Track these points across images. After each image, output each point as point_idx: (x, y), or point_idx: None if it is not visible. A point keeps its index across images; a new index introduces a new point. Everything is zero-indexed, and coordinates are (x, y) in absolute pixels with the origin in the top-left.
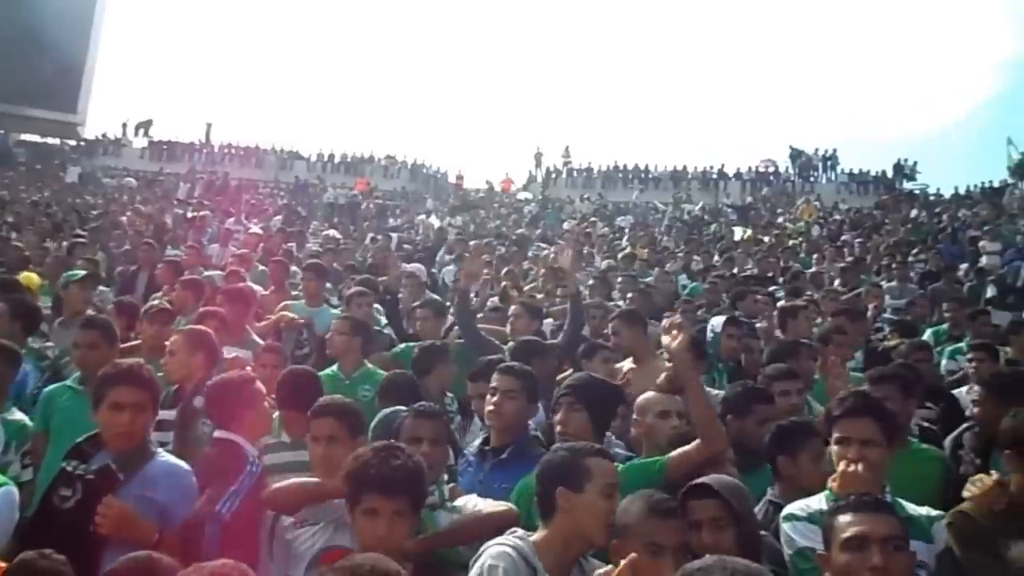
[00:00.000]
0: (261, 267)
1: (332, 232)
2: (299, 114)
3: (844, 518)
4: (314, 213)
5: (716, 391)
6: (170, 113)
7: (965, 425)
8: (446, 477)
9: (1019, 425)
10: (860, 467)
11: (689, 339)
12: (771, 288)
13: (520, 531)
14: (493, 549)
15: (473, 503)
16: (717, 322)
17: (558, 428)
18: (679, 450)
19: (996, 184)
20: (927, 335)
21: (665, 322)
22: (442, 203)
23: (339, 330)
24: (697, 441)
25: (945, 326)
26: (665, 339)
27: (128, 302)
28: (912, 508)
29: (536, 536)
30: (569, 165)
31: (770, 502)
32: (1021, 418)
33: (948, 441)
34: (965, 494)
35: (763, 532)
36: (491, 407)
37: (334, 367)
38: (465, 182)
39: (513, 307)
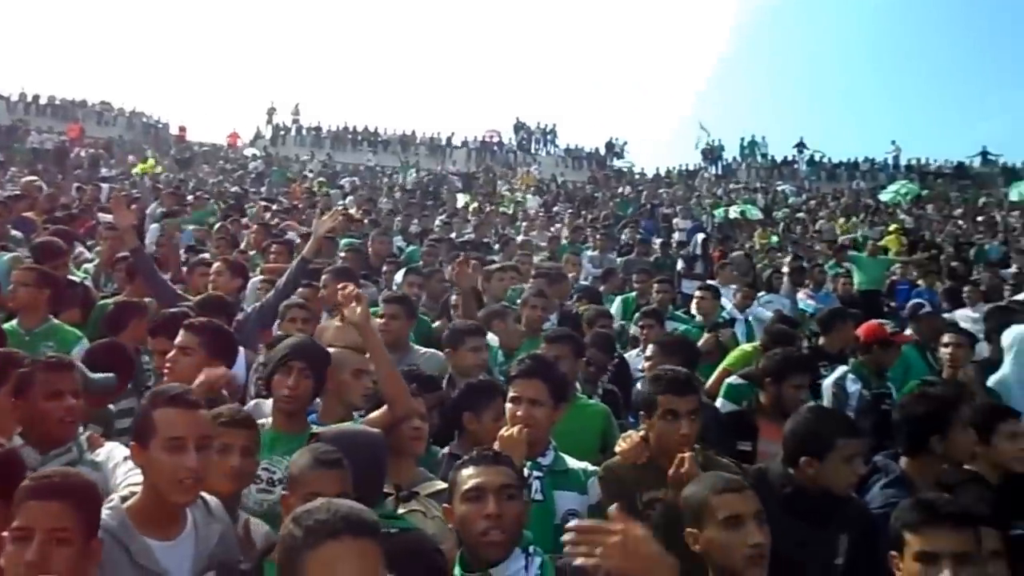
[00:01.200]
0: None
1: (33, 179)
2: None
3: (466, 471)
4: (12, 158)
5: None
6: None
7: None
8: (83, 428)
9: (644, 394)
10: (517, 431)
11: (367, 309)
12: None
13: (115, 498)
14: None
15: (118, 453)
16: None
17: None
18: (367, 418)
19: (691, 167)
20: (617, 303)
21: (340, 293)
22: (163, 155)
23: (22, 281)
24: (385, 407)
25: (633, 294)
26: (347, 311)
27: None
28: (572, 462)
29: (132, 501)
30: (298, 123)
31: (450, 454)
32: (645, 389)
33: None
34: (616, 449)
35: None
36: (169, 364)
37: (14, 321)
38: (188, 134)
39: (216, 264)
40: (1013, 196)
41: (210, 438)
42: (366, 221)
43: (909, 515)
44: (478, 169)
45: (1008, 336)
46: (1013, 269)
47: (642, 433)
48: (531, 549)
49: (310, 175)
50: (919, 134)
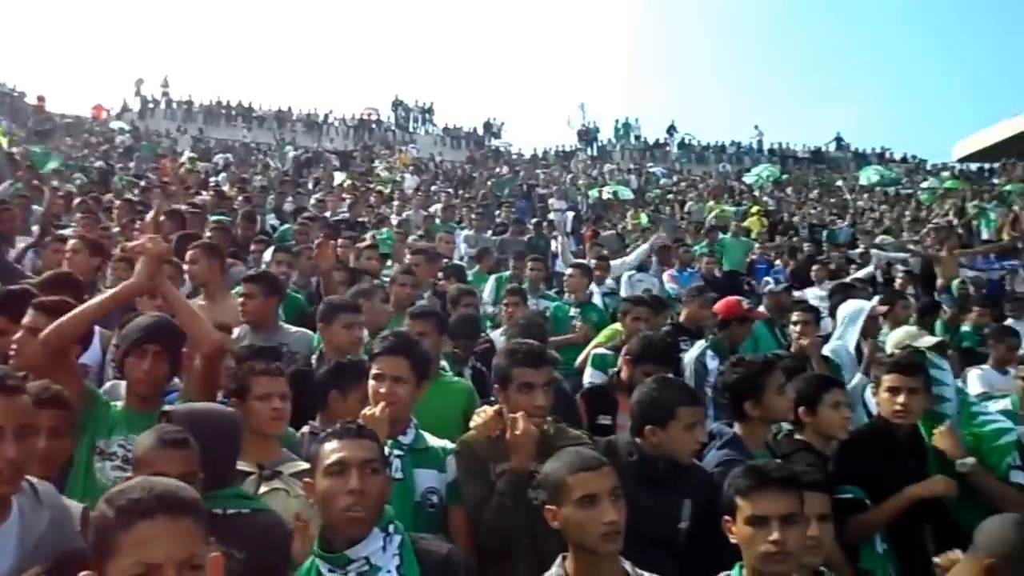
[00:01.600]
0: None
1: None
2: None
3: (328, 445)
4: None
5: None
6: None
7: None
8: None
9: (500, 367)
10: (380, 410)
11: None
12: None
13: None
14: None
15: None
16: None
17: None
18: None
19: (568, 148)
20: (491, 283)
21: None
22: (20, 126)
23: None
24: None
25: (507, 274)
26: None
27: None
28: (432, 440)
29: None
30: (168, 96)
31: (311, 432)
32: (499, 362)
33: None
34: (471, 424)
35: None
36: (16, 346)
37: None
38: (48, 104)
39: (72, 241)
40: (863, 180)
41: (31, 426)
42: (240, 199)
43: (740, 482)
44: (355, 147)
45: (842, 310)
46: (860, 249)
47: (497, 407)
48: (391, 527)
49: (181, 151)
50: (780, 120)
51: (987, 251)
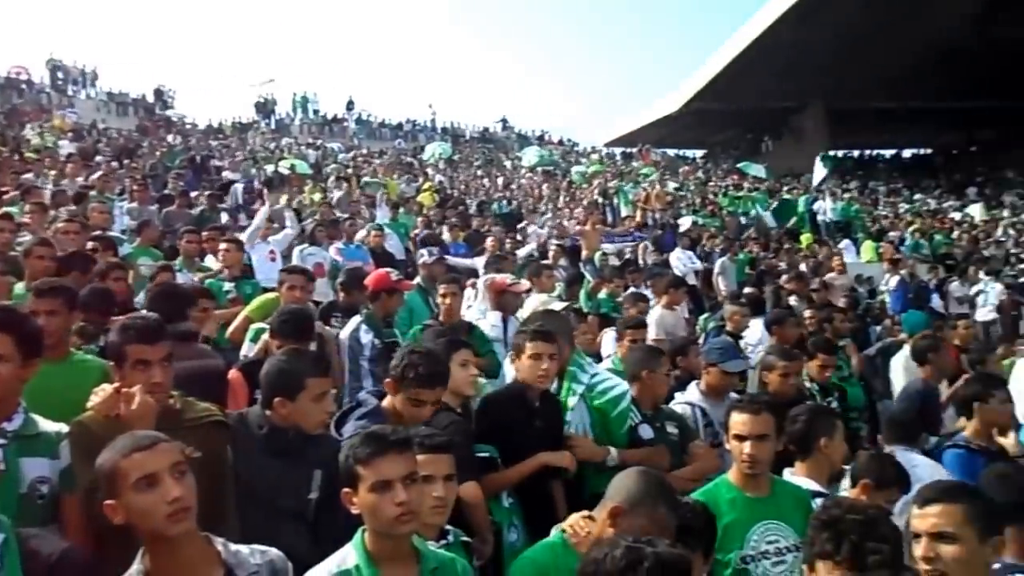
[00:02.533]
0: None
1: None
2: None
3: None
4: None
5: None
6: None
7: None
8: None
9: (113, 345)
10: None
11: None
12: None
13: None
14: None
15: None
16: None
17: None
18: None
19: (244, 120)
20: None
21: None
22: None
23: None
24: None
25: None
26: None
27: None
28: (47, 424)
29: None
30: None
31: None
32: (113, 339)
33: None
34: (88, 403)
35: None
36: None
37: None
38: None
39: None
40: (526, 161)
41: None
42: None
43: (360, 451)
44: (1, 108)
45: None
46: (523, 224)
47: (116, 384)
48: None
49: None
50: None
51: (625, 229)
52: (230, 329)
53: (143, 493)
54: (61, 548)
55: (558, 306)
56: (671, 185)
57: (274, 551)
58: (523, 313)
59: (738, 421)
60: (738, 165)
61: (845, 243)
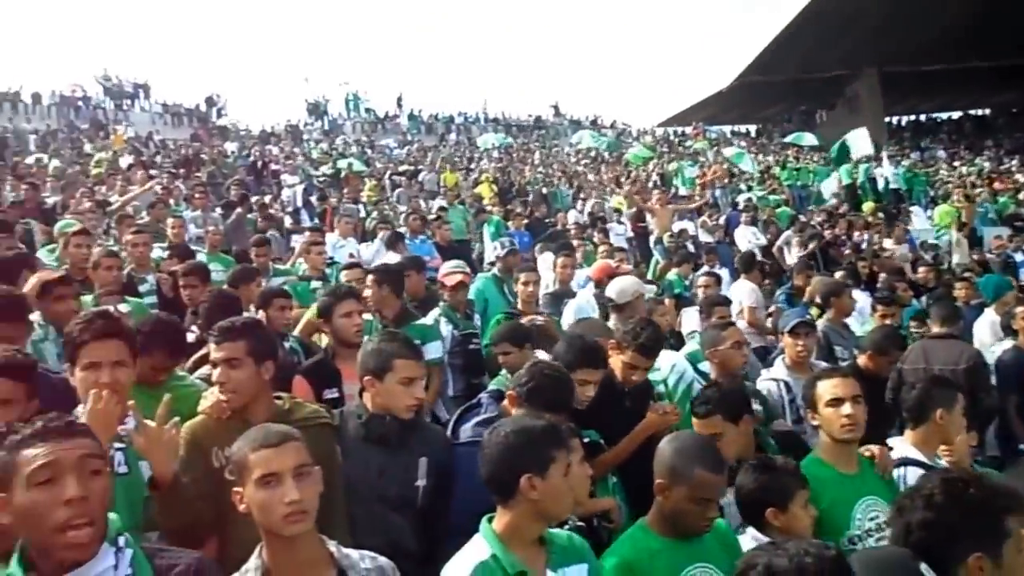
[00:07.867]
0: None
1: None
2: None
3: (29, 451)
4: None
5: None
6: None
7: None
8: None
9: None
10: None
11: None
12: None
13: None
14: None
15: None
16: None
17: None
18: None
19: (294, 122)
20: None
21: None
22: None
23: None
24: None
25: None
26: None
27: None
28: None
29: None
30: None
31: None
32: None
33: None
34: (199, 407)
35: None
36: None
37: None
38: None
39: None
40: (579, 144)
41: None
42: None
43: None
44: (60, 126)
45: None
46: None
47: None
48: (121, 541)
49: None
50: (501, 90)
51: (690, 208)
52: (296, 329)
53: (264, 490)
54: (193, 561)
55: (649, 290)
56: (728, 151)
57: (383, 560)
58: (611, 291)
59: (830, 384)
60: (788, 138)
61: (915, 209)
